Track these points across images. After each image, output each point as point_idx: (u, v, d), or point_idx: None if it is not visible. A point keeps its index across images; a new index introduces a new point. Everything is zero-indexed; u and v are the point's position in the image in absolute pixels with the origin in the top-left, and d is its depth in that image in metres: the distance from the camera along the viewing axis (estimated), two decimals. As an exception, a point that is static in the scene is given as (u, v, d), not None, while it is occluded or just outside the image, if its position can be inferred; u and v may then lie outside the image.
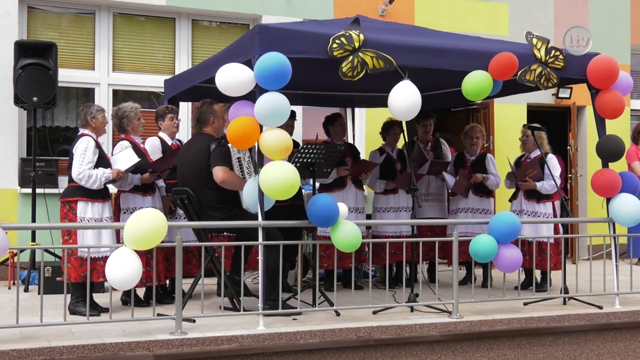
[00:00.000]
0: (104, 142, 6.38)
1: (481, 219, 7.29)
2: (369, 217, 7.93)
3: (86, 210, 5.91)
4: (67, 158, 6.12)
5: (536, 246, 6.91)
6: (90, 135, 6.02)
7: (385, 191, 7.67)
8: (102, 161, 5.99)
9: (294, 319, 5.67)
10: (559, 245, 7.05)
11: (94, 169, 5.88)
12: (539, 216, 7.25)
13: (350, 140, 9.34)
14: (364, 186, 7.77)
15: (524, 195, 7.32)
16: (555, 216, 7.33)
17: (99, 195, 5.95)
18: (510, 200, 7.54)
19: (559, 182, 7.09)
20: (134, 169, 6.12)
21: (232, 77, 5.33)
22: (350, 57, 5.53)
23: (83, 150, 5.90)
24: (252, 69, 5.28)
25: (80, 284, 5.77)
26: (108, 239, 5.87)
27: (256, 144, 5.40)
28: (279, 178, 5.17)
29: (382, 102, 6.23)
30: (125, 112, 6.37)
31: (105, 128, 6.24)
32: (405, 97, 5.69)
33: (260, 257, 5.43)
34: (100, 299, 6.12)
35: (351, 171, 7.40)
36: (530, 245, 6.97)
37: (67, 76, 8.38)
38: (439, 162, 7.90)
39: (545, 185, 7.14)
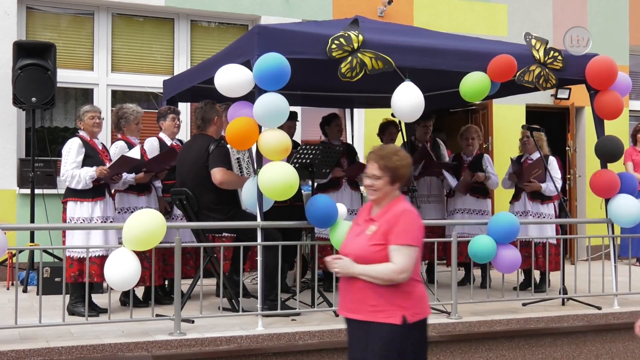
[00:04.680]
0: (101, 142, 6.35)
1: (479, 220, 7.30)
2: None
3: (75, 210, 5.90)
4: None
5: (540, 247, 6.92)
6: (80, 136, 6.02)
7: (380, 192, 7.64)
8: (93, 160, 5.95)
9: (292, 320, 5.68)
10: (558, 246, 7.05)
11: (80, 168, 5.87)
12: (543, 217, 7.24)
13: (349, 141, 9.34)
14: (360, 187, 7.77)
15: (527, 197, 7.30)
16: (555, 217, 7.33)
17: (88, 194, 5.90)
18: (511, 202, 7.52)
19: (559, 183, 7.10)
20: (131, 169, 6.10)
21: (231, 78, 5.33)
22: (349, 58, 5.54)
23: (67, 152, 5.90)
24: (251, 70, 5.28)
25: (79, 285, 5.77)
26: (98, 238, 5.84)
27: (255, 145, 5.40)
28: (277, 179, 5.17)
29: (381, 103, 6.25)
30: (125, 113, 6.37)
31: (98, 129, 6.13)
32: (408, 99, 5.70)
33: (259, 258, 5.43)
34: (98, 299, 6.11)
35: (347, 172, 7.39)
36: (531, 246, 6.97)
37: (66, 77, 8.37)
38: (437, 163, 7.90)
39: (550, 187, 7.12)
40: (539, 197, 7.25)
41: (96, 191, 5.95)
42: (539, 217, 7.25)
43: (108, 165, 5.98)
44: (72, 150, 5.89)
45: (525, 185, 7.25)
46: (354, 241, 3.56)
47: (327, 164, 6.11)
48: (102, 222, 5.92)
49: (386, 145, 3.65)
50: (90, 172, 5.86)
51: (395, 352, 3.38)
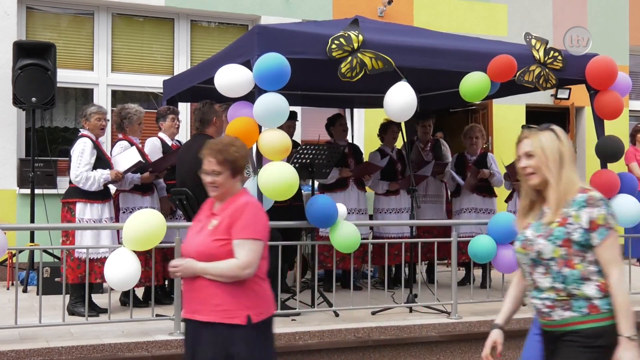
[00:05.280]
0: (103, 142, 6.36)
1: (482, 220, 7.29)
2: (371, 218, 7.92)
3: (85, 211, 5.91)
4: (66, 159, 6.12)
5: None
6: (88, 136, 6.02)
7: (387, 192, 7.66)
8: (101, 162, 5.98)
9: (292, 320, 5.67)
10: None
11: (92, 170, 5.88)
12: (537, 216, 7.25)
13: (349, 141, 9.34)
14: (366, 187, 7.77)
15: (518, 196, 7.30)
16: (553, 216, 7.32)
17: (98, 196, 5.94)
18: (506, 201, 7.54)
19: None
20: (135, 169, 6.11)
21: (231, 78, 5.33)
22: (349, 58, 5.54)
23: (80, 152, 5.89)
24: (251, 70, 5.28)
25: (79, 285, 5.77)
26: (107, 239, 5.86)
27: (255, 145, 5.40)
28: (277, 179, 5.17)
29: (381, 103, 6.24)
30: (128, 113, 6.36)
31: (102, 131, 6.20)
32: (400, 98, 5.69)
33: (259, 258, 5.42)
34: (99, 299, 6.11)
35: (354, 173, 7.39)
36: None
37: (66, 77, 8.37)
38: (441, 164, 7.90)
39: None
40: (532, 196, 7.25)
41: (105, 193, 6.01)
42: (530, 216, 7.25)
43: (123, 169, 6.00)
44: (85, 151, 5.90)
45: (514, 184, 7.27)
46: (194, 238, 3.38)
47: (328, 163, 6.11)
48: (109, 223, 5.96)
49: (220, 138, 3.50)
50: (105, 174, 5.89)
51: (239, 352, 3.20)
